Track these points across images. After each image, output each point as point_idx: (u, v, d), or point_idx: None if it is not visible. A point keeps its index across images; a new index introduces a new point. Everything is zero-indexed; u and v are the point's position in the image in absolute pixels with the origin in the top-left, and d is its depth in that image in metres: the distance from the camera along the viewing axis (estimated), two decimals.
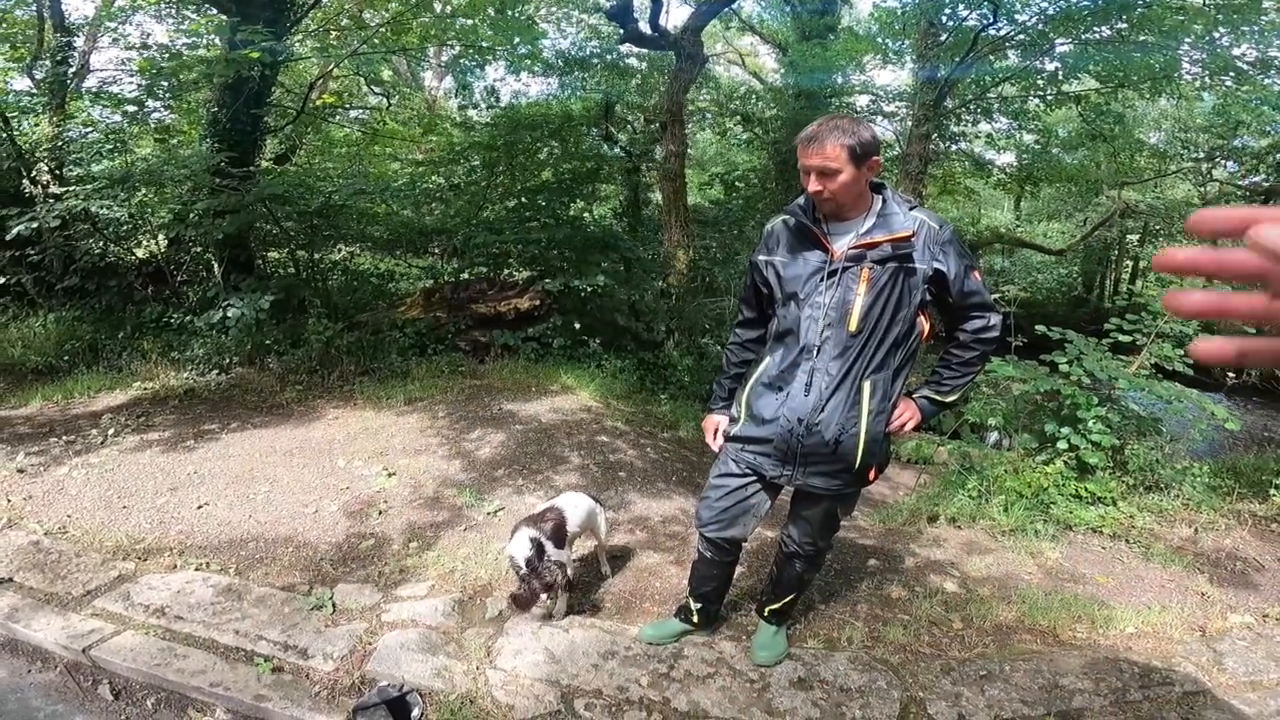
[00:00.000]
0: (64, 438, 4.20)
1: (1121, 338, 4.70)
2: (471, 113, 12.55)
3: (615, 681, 2.38)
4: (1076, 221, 17.18)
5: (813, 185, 1.90)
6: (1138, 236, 16.38)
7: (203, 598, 2.68)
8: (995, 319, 2.08)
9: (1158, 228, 15.14)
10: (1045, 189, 15.94)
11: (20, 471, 3.72)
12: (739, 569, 2.66)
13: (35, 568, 2.82)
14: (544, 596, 2.47)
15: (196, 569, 2.89)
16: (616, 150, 9.47)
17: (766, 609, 2.54)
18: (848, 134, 1.87)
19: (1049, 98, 10.31)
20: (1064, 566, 3.39)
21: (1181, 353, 4.97)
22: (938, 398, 2.15)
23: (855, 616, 2.85)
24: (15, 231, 5.46)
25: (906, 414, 2.12)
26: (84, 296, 6.44)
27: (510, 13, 8.65)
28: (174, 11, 8.42)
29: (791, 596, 2.50)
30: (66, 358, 5.56)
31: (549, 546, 2.54)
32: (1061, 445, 3.99)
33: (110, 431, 4.29)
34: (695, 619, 2.57)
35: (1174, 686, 2.49)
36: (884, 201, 2.00)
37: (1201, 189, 14.45)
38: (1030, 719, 2.33)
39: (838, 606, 2.92)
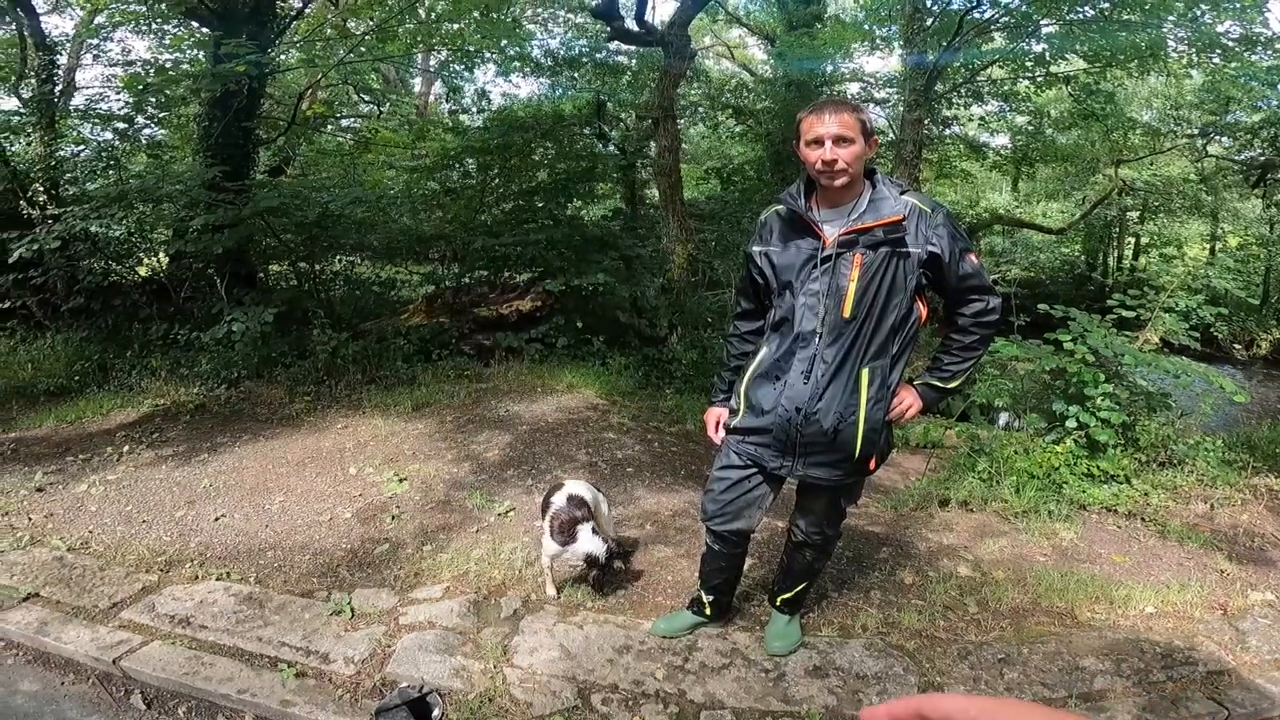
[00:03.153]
0: (80, 456, 4.24)
1: (1125, 313, 4.69)
2: (463, 116, 12.58)
3: (631, 675, 2.40)
4: (1075, 200, 17.13)
5: (828, 153, 1.89)
6: (1137, 214, 16.33)
7: (225, 607, 2.71)
8: (995, 301, 2.07)
9: (1157, 204, 15.11)
10: (1041, 169, 15.93)
11: (39, 490, 3.75)
12: (750, 559, 2.68)
13: (60, 582, 2.86)
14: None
15: (218, 579, 2.92)
16: (610, 148, 9.47)
17: (779, 598, 2.55)
18: (857, 108, 1.94)
19: (1038, 79, 10.31)
20: (1079, 547, 3.39)
21: (1188, 327, 4.97)
22: (940, 384, 2.14)
23: (869, 603, 2.86)
24: (17, 254, 5.49)
25: (907, 401, 2.11)
26: (90, 316, 6.47)
27: (496, 15, 8.65)
28: (155, 27, 8.44)
29: (803, 585, 2.51)
30: (77, 378, 5.60)
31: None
32: (1070, 424, 3.99)
33: (125, 449, 4.33)
34: (708, 611, 2.59)
35: (1197, 666, 2.47)
36: (875, 186, 2.01)
37: (1198, 164, 14.41)
38: (1052, 702, 2.32)
39: (851, 594, 2.93)
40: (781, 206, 2.08)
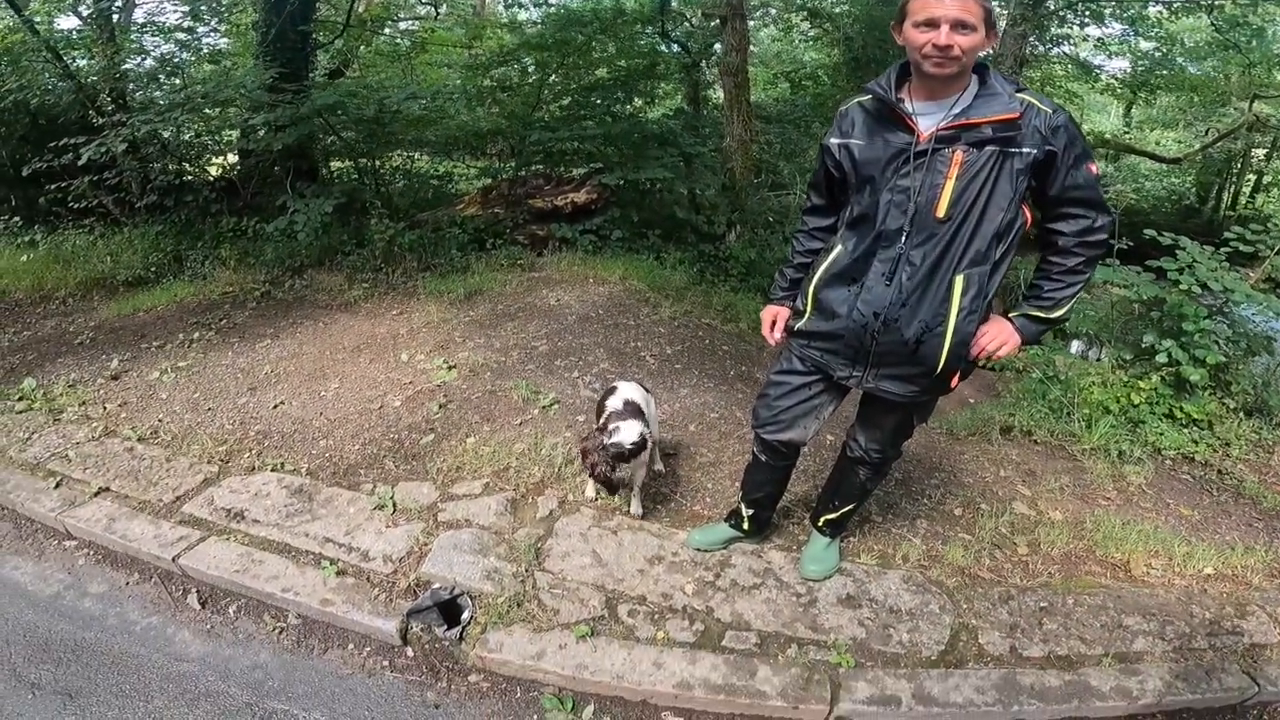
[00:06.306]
0: (154, 342, 4.44)
1: (1243, 247, 4.23)
2: (520, 14, 12.04)
3: (660, 588, 2.40)
4: (1195, 131, 15.43)
5: (943, 38, 1.65)
6: (1265, 150, 14.61)
7: (277, 500, 2.83)
8: (1103, 219, 1.81)
9: None
10: (1163, 97, 14.26)
11: (114, 378, 3.96)
12: (794, 474, 2.58)
13: (129, 475, 3.02)
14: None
15: (272, 469, 3.04)
16: (674, 47, 8.91)
17: (821, 519, 2.47)
18: None
19: (1174, 5, 8.97)
20: (1146, 494, 3.18)
21: None
22: (1042, 314, 1.90)
23: (913, 533, 2.77)
24: (85, 156, 5.69)
25: (1000, 337, 1.88)
26: (164, 212, 6.73)
27: None
28: None
29: (850, 507, 2.42)
30: (153, 269, 5.89)
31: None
32: (1161, 359, 3.67)
33: (195, 335, 4.52)
34: (746, 525, 2.54)
35: (1242, 637, 2.34)
36: (984, 82, 1.75)
37: None
38: (1086, 658, 2.22)
39: (895, 521, 2.83)
40: (867, 97, 1.85)
